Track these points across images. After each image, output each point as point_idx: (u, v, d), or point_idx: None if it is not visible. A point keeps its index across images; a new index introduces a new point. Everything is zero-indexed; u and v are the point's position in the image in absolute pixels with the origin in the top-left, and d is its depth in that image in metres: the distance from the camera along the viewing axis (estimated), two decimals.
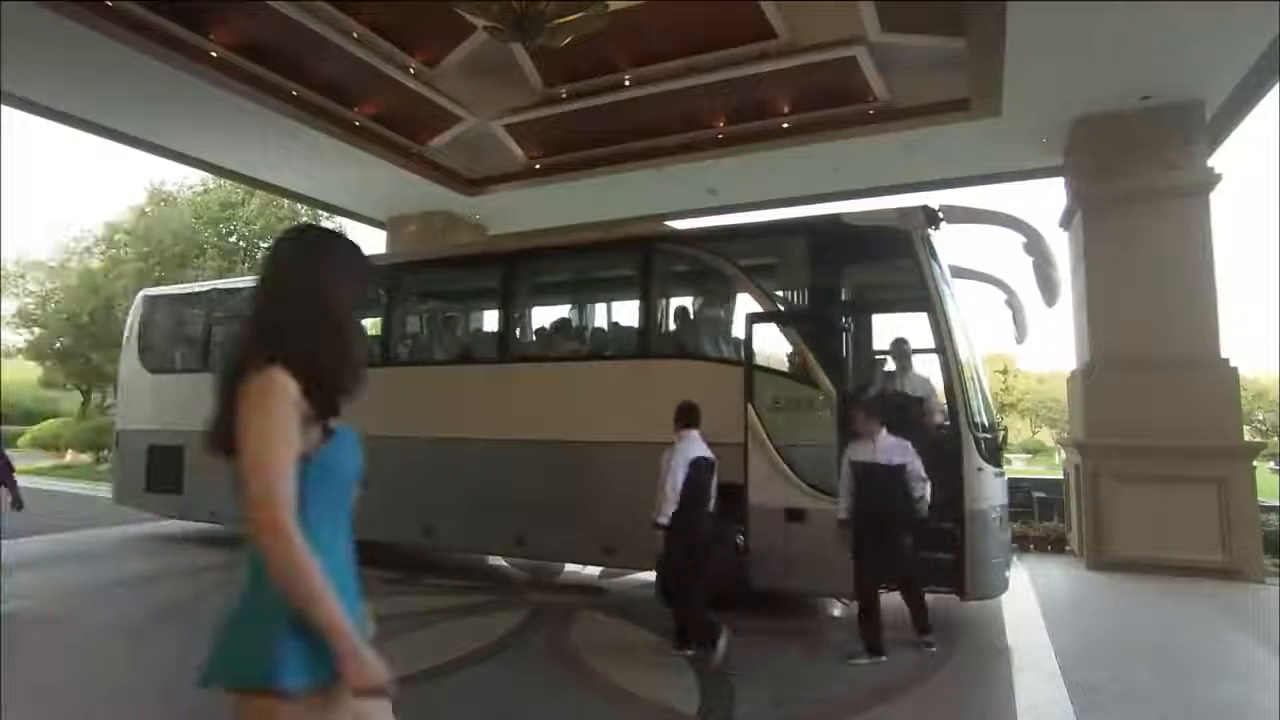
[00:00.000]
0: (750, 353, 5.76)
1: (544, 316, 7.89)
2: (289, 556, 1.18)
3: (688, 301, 6.99)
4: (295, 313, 1.40)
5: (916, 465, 4.69)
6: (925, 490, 4.70)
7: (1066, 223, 8.85)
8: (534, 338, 7.50)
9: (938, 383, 5.60)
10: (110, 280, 23.36)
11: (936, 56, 7.61)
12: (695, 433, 4.83)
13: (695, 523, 4.67)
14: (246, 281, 11.84)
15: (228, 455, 1.31)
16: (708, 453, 4.81)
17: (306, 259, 1.47)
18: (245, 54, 7.91)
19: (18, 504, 5.60)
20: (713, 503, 4.91)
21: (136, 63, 7.31)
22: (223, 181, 22.30)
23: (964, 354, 5.41)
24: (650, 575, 5.58)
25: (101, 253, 25.64)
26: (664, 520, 4.59)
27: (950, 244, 5.80)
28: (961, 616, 5.61)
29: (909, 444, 4.71)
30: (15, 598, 5.74)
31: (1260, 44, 6.49)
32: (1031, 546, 8.52)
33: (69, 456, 21.77)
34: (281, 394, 1.28)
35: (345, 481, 1.41)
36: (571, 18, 5.76)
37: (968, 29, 6.68)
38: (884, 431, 4.74)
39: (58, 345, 24.77)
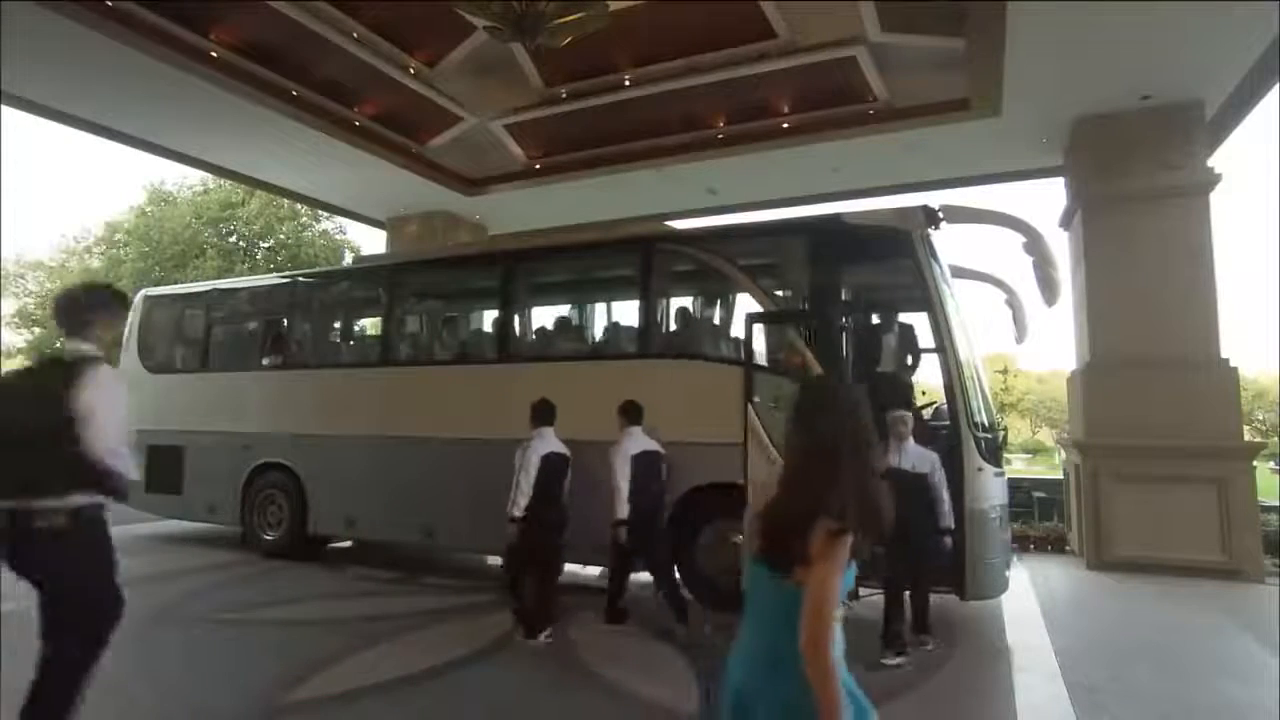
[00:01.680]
0: (750, 352, 5.75)
1: (543, 316, 7.88)
2: (831, 691, 1.55)
3: (687, 301, 6.99)
4: (868, 476, 1.67)
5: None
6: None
7: (1066, 223, 8.84)
8: (533, 337, 7.50)
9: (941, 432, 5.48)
10: (110, 280, 23.35)
11: (936, 56, 7.60)
12: (550, 430, 5.16)
13: (544, 516, 4.97)
14: (246, 281, 11.85)
15: (773, 570, 1.63)
16: (560, 448, 5.14)
17: (860, 415, 1.72)
18: (245, 54, 7.91)
19: None
20: (565, 496, 5.26)
21: (136, 63, 7.32)
22: (223, 181, 22.29)
23: (964, 354, 5.40)
24: (647, 575, 5.61)
25: (101, 253, 25.63)
26: (518, 513, 4.91)
27: (950, 244, 5.82)
28: (961, 616, 5.61)
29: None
30: (15, 598, 5.73)
31: (1260, 44, 6.49)
32: (1031, 546, 8.52)
33: None
34: (847, 553, 1.57)
35: (846, 592, 1.68)
36: (571, 18, 5.74)
37: (968, 29, 6.69)
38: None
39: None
